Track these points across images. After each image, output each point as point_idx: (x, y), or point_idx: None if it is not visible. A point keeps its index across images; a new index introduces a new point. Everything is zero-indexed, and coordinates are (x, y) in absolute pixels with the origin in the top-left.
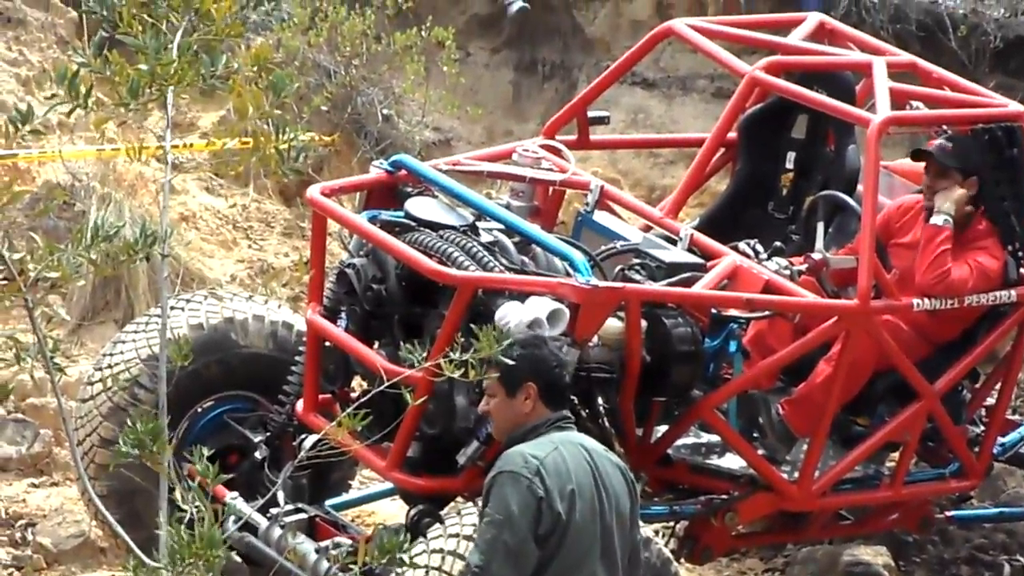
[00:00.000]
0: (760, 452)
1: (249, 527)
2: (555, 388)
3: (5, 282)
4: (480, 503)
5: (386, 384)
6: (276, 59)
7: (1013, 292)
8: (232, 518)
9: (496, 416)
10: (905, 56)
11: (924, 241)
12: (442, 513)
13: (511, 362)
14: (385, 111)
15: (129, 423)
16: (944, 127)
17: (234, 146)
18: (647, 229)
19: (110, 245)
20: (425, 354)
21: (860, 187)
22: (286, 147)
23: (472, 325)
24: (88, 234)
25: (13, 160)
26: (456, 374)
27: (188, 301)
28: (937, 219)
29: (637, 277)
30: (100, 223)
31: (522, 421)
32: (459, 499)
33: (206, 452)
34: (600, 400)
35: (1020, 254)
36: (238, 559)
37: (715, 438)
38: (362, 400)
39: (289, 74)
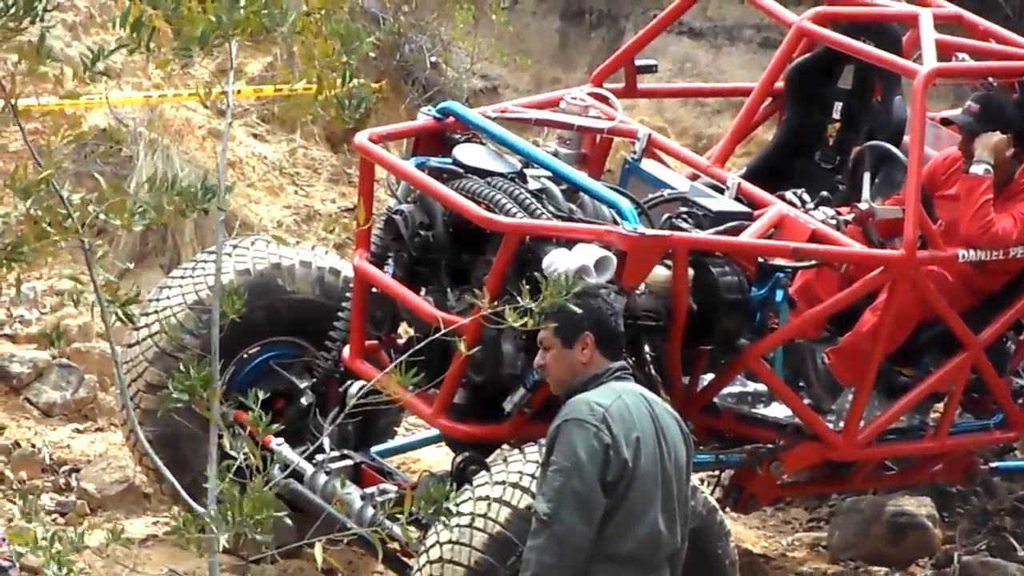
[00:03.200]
0: (806, 401)
1: (295, 473)
2: (611, 337)
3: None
4: (543, 452)
5: (442, 332)
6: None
7: None
8: (278, 465)
9: (553, 368)
10: (951, 8)
11: (965, 192)
12: (488, 460)
13: (568, 313)
14: (433, 59)
15: (182, 367)
16: (990, 79)
17: (283, 94)
18: (694, 178)
19: (175, 196)
20: (484, 301)
21: (906, 138)
22: (346, 95)
23: (520, 272)
24: (154, 183)
25: (60, 106)
26: (517, 324)
27: (235, 247)
28: (977, 168)
29: (684, 225)
30: (162, 174)
31: (580, 372)
32: (505, 446)
33: (260, 397)
34: (647, 348)
35: None
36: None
37: (761, 387)
38: (415, 349)
39: (358, 29)
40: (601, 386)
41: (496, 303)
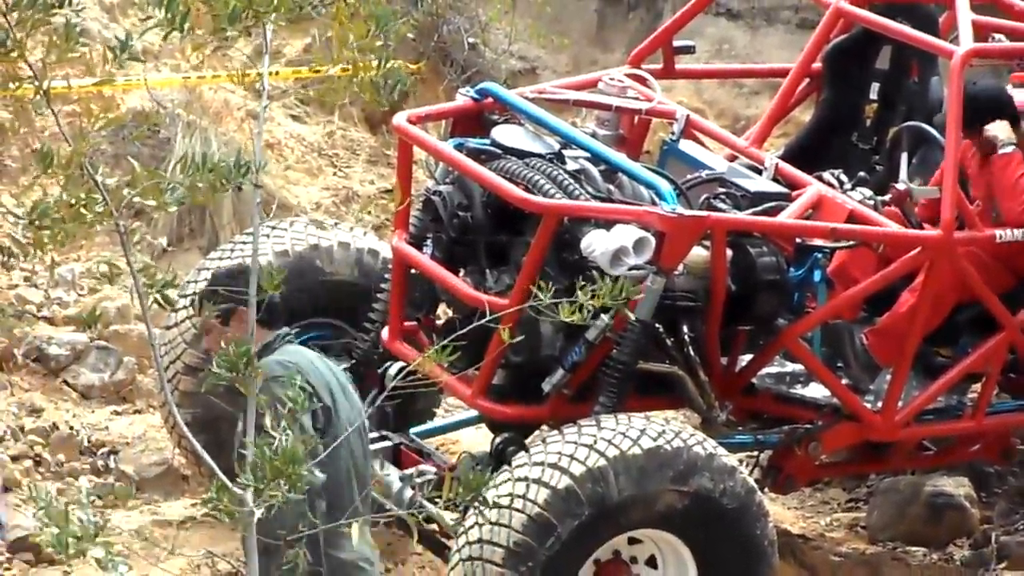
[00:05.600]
0: (844, 382)
1: None
2: (266, 310)
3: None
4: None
5: (488, 318)
6: None
7: None
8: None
9: (219, 348)
10: None
11: (998, 171)
12: (527, 441)
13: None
14: (471, 40)
15: (223, 345)
16: None
17: (321, 75)
18: (732, 158)
19: (207, 176)
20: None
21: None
22: (383, 78)
23: (558, 253)
24: (188, 164)
25: (98, 88)
26: (572, 318)
27: (273, 228)
28: (1006, 149)
29: (722, 206)
30: (196, 154)
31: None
32: (544, 427)
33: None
34: (685, 328)
35: None
36: None
37: (799, 367)
38: (459, 333)
39: (395, 11)
40: (276, 351)
41: (534, 284)
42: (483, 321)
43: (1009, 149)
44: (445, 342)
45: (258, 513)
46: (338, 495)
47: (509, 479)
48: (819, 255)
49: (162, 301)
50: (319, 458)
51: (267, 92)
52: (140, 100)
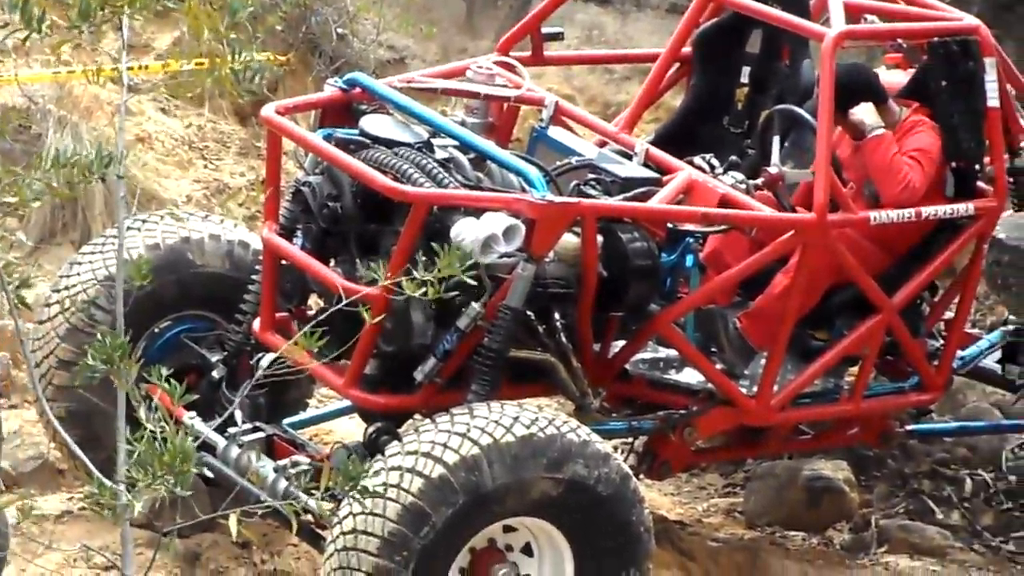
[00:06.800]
0: (718, 367)
1: (207, 447)
2: None
3: None
4: None
5: (344, 302)
6: None
7: (971, 205)
8: (190, 438)
9: None
10: None
11: (870, 153)
12: (400, 430)
13: None
14: (339, 30)
15: (99, 337)
16: (899, 41)
17: (190, 68)
18: (602, 145)
19: (69, 171)
20: (383, 272)
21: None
22: (242, 68)
23: (428, 242)
24: (47, 159)
25: None
26: (417, 293)
27: (144, 221)
28: (876, 132)
29: (592, 192)
30: (62, 150)
31: None
32: (417, 416)
33: (164, 372)
34: (557, 316)
35: (977, 169)
36: (198, 479)
37: (673, 353)
38: (320, 319)
39: (261, 2)
40: None
41: (402, 273)
42: (343, 303)
43: (879, 131)
44: (308, 327)
45: (138, 507)
46: None
47: (383, 468)
48: (691, 240)
49: (17, 301)
50: None
51: (127, 86)
52: (11, 96)
